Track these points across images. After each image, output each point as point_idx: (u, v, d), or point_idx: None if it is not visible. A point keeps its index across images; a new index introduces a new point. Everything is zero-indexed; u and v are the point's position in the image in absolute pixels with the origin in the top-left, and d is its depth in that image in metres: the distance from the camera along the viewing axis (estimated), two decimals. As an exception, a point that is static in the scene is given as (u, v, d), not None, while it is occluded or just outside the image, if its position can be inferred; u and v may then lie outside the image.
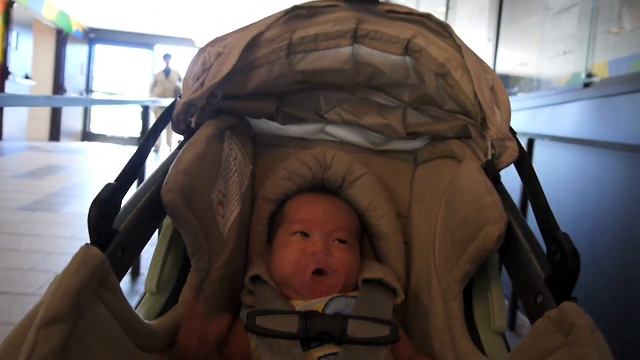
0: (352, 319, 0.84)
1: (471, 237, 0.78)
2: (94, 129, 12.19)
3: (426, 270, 0.93)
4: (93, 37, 12.16)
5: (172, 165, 0.81)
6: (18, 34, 8.50)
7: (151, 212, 0.78)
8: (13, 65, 8.31)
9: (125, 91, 12.04)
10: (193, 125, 0.96)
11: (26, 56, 8.83)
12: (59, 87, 10.74)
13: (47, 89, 10.49)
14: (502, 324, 0.79)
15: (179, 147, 0.94)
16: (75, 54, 11.36)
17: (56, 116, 10.80)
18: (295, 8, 0.98)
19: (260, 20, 0.98)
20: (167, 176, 0.78)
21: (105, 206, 0.66)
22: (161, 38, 12.06)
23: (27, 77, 8.73)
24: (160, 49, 11.80)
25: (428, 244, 0.95)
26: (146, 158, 0.83)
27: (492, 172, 0.90)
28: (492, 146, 0.91)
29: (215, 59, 0.95)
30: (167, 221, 0.87)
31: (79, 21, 11.42)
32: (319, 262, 0.90)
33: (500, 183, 0.92)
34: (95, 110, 12.21)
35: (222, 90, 0.99)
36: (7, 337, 0.50)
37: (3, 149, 7.61)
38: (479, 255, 0.77)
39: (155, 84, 9.91)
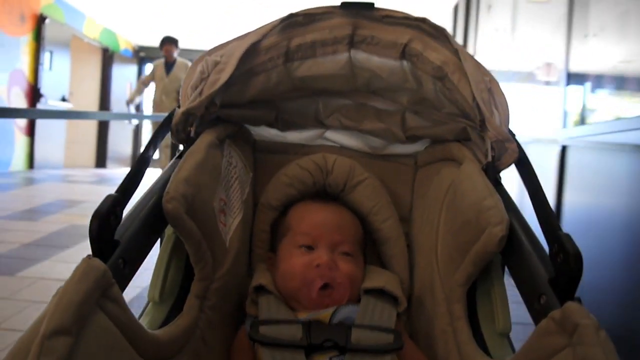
0: (355, 327, 0.84)
1: (473, 239, 0.78)
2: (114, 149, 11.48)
3: (429, 273, 0.93)
4: (143, 55, 11.41)
5: (172, 175, 0.81)
6: (52, 53, 7.86)
7: (152, 221, 0.78)
8: (45, 86, 7.61)
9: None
10: (192, 134, 0.96)
11: (62, 77, 8.19)
12: (105, 109, 10.07)
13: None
14: (506, 325, 0.79)
15: (179, 156, 0.94)
16: (123, 74, 10.60)
17: (102, 140, 10.06)
18: (291, 15, 0.98)
19: (257, 29, 0.99)
20: (167, 185, 0.78)
21: (106, 217, 0.66)
22: None
23: (63, 99, 8.12)
24: None
25: (430, 247, 0.95)
26: (146, 168, 0.83)
27: (492, 173, 0.90)
28: (492, 147, 0.91)
29: (213, 68, 0.96)
30: (168, 230, 0.87)
31: (127, 39, 10.81)
32: (324, 276, 0.90)
33: (501, 184, 0.92)
34: (147, 131, 11.19)
35: (221, 98, 0.99)
36: (10, 349, 0.50)
37: (33, 178, 6.70)
38: (482, 257, 0.77)
39: (144, 82, 7.21)
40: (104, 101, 10.03)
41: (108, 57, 10.05)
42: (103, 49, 9.92)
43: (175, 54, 6.74)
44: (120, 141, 10.57)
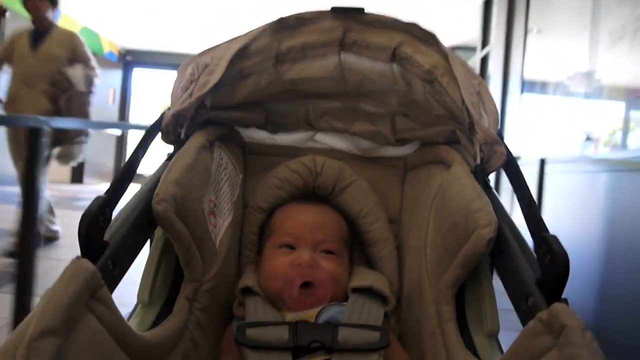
0: (342, 326, 0.84)
1: (461, 241, 0.79)
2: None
3: (418, 274, 0.94)
4: (130, 59, 10.51)
5: (162, 176, 0.81)
6: None
7: (142, 223, 0.78)
8: (2, 89, 6.44)
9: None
10: (182, 136, 0.96)
11: None
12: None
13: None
14: (495, 326, 0.80)
15: (169, 158, 0.94)
16: (106, 79, 9.32)
17: None
18: (282, 19, 0.98)
19: (247, 32, 0.99)
20: (157, 187, 0.78)
21: (95, 218, 0.66)
22: None
23: None
24: None
25: (419, 249, 0.95)
26: (136, 170, 0.83)
27: (481, 176, 0.91)
28: (480, 150, 0.91)
29: (203, 70, 0.96)
30: (158, 231, 0.87)
31: (112, 41, 9.79)
32: (305, 275, 0.90)
33: (490, 187, 0.92)
34: (132, 142, 9.74)
35: (211, 100, 0.99)
36: None
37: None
38: (470, 259, 0.78)
39: None
40: None
41: None
42: None
43: (52, 16, 3.65)
44: (101, 153, 9.58)
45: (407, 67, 0.99)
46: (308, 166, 1.07)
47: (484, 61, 6.17)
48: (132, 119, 10.64)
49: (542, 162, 3.05)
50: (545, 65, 4.32)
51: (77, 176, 9.06)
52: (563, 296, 0.63)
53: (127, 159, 0.84)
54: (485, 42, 6.16)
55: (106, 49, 9.75)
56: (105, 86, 9.33)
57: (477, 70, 6.04)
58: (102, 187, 8.39)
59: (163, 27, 8.55)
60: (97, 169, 9.47)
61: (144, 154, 0.89)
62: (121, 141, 10.24)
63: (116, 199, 0.74)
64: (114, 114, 10.17)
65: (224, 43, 0.99)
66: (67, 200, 6.85)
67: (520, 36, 4.75)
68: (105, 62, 9.61)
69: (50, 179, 8.00)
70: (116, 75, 10.25)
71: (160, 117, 0.97)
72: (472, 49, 7.61)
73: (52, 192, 7.16)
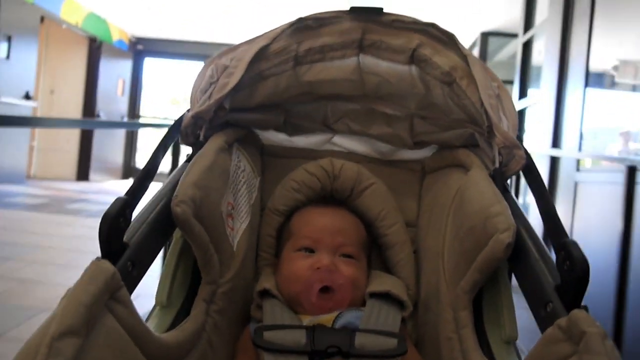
0: (359, 332, 0.84)
1: (480, 245, 0.78)
2: (141, 162, 9.07)
3: (435, 279, 0.93)
4: (141, 48, 9.69)
5: (181, 178, 0.82)
6: (10, 38, 6.19)
7: (161, 225, 0.78)
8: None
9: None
10: (201, 137, 0.96)
11: (25, 69, 6.58)
12: (90, 111, 8.32)
13: (72, 113, 8.13)
14: (513, 333, 0.79)
15: (188, 160, 0.95)
16: (115, 69, 8.97)
17: (84, 148, 8.38)
18: (301, 20, 0.99)
19: (266, 32, 0.99)
20: (176, 189, 0.79)
21: (115, 220, 0.67)
22: (219, 48, 8.70)
23: (27, 97, 6.58)
24: None
25: (437, 253, 0.95)
26: (156, 171, 0.84)
27: (499, 180, 0.90)
28: (499, 154, 0.91)
29: (222, 72, 0.96)
30: (176, 234, 0.88)
31: (122, 28, 8.98)
32: (324, 279, 0.90)
33: (508, 191, 0.91)
34: (144, 137, 9.60)
35: (230, 102, 1.00)
36: (19, 350, 0.50)
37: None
38: (488, 264, 0.77)
39: None
40: (89, 101, 8.40)
41: (95, 49, 8.36)
42: (89, 38, 8.26)
43: None
44: (110, 149, 9.04)
45: (426, 69, 0.99)
46: (326, 169, 1.07)
47: (527, 48, 5.41)
48: (143, 112, 9.87)
49: (632, 171, 2.49)
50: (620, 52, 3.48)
51: (82, 173, 8.47)
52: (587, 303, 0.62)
53: (148, 160, 0.85)
54: (528, 24, 5.33)
55: (115, 36, 8.96)
56: (113, 77, 8.89)
57: (518, 58, 5.51)
58: (108, 186, 8.12)
59: (177, 12, 7.70)
60: (105, 165, 8.93)
61: (163, 155, 0.90)
62: (131, 136, 9.54)
63: (136, 200, 0.75)
64: (122, 107, 9.38)
65: (243, 44, 1.00)
66: (60, 201, 6.17)
67: (584, 15, 3.72)
68: (114, 50, 8.92)
69: (54, 176, 7.86)
70: (126, 65, 9.46)
71: (179, 118, 0.98)
72: (509, 35, 6.84)
73: (48, 190, 6.71)
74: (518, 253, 0.76)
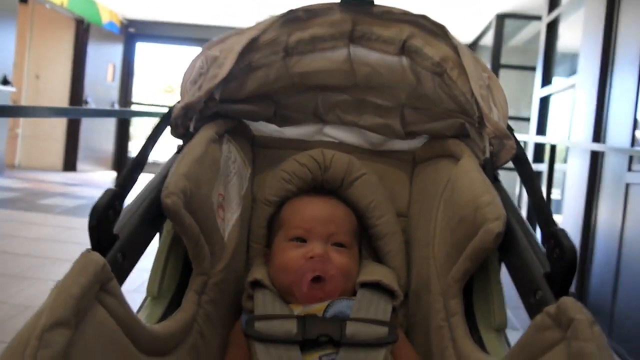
0: (350, 321, 0.85)
1: (470, 234, 0.78)
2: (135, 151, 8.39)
3: (426, 268, 0.94)
4: (133, 31, 8.95)
5: (171, 169, 0.81)
6: None
7: (151, 216, 0.78)
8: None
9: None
10: (191, 129, 0.96)
11: (4, 52, 6.08)
12: (77, 97, 7.80)
13: (59, 99, 7.64)
14: (502, 321, 0.80)
15: (178, 151, 0.94)
16: (104, 53, 8.36)
17: (71, 136, 7.90)
18: (291, 11, 0.98)
19: (256, 24, 0.98)
20: (166, 180, 0.79)
21: (105, 211, 0.67)
22: (218, 31, 7.14)
23: (5, 82, 6.01)
24: None
25: (427, 243, 0.95)
26: (146, 161, 0.83)
27: (490, 169, 0.90)
28: (490, 144, 0.91)
29: (212, 63, 0.96)
30: (167, 225, 0.88)
31: (112, 9, 8.32)
32: (316, 269, 0.91)
33: (499, 180, 0.92)
34: (137, 125, 8.97)
35: (220, 93, 0.99)
36: (9, 342, 0.50)
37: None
38: (478, 253, 0.78)
39: None
40: (77, 87, 7.89)
41: (83, 31, 7.80)
42: (76, 19, 7.70)
43: None
44: (99, 137, 8.46)
45: (417, 60, 0.99)
46: (317, 159, 1.07)
47: (551, 29, 4.97)
48: (136, 99, 9.13)
49: None
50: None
51: (69, 163, 7.94)
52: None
53: (138, 151, 0.84)
54: (554, 3, 4.93)
55: (105, 18, 8.33)
56: (102, 61, 8.29)
57: (542, 41, 5.09)
58: (97, 177, 7.61)
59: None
60: (94, 155, 8.37)
61: (153, 146, 0.89)
62: (124, 124, 8.31)
63: (126, 191, 0.74)
64: (113, 94, 8.75)
65: (233, 35, 0.99)
66: (34, 195, 5.65)
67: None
68: (104, 33, 8.30)
69: (40, 165, 7.40)
70: (116, 50, 8.82)
71: (169, 110, 0.97)
72: (528, 17, 6.36)
73: (26, 183, 6.00)
74: (508, 242, 0.76)
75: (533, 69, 5.43)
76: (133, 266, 0.72)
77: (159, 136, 0.92)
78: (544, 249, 0.70)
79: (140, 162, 0.82)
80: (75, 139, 7.99)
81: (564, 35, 5.05)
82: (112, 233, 0.68)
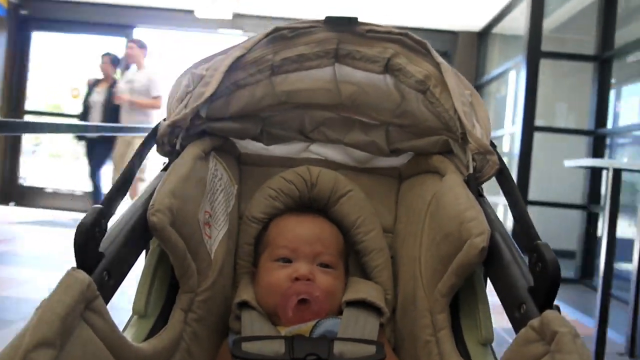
0: (337, 340, 0.85)
1: (455, 250, 0.79)
2: (27, 179, 6.45)
3: (412, 284, 0.94)
4: (26, 14, 6.45)
5: (157, 187, 0.81)
6: None
7: (137, 234, 0.78)
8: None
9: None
10: (178, 146, 0.96)
11: None
12: None
13: None
14: (489, 335, 0.80)
15: (164, 169, 0.94)
16: None
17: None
18: (277, 29, 0.99)
19: (242, 42, 1.00)
20: (152, 198, 0.79)
21: (90, 229, 0.66)
22: (144, 13, 6.43)
23: None
24: (143, 34, 6.31)
25: (413, 258, 0.96)
26: (132, 180, 0.83)
27: (474, 185, 0.91)
28: (473, 159, 0.92)
29: (198, 81, 0.96)
30: (153, 242, 0.88)
31: None
32: (301, 292, 0.91)
33: (483, 196, 0.93)
34: (32, 143, 6.70)
35: (206, 112, 1.00)
36: None
37: None
38: (464, 268, 0.78)
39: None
40: None
41: None
42: None
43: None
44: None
45: (401, 78, 1.00)
46: (303, 177, 1.08)
47: None
48: (28, 105, 6.63)
49: None
50: None
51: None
52: None
53: (123, 169, 0.84)
54: None
55: None
56: None
57: None
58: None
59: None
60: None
61: (140, 164, 0.89)
62: (11, 141, 6.40)
63: (112, 209, 0.74)
64: None
65: (219, 54, 1.00)
66: None
67: None
68: None
69: None
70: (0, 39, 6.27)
71: (155, 127, 0.97)
72: None
73: None
74: (492, 256, 0.77)
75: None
76: (119, 284, 0.71)
77: (146, 154, 0.93)
78: None
79: (127, 180, 0.82)
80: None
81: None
82: (98, 251, 0.68)
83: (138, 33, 6.46)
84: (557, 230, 4.71)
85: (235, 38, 6.30)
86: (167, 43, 6.71)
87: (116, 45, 6.23)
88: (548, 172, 4.99)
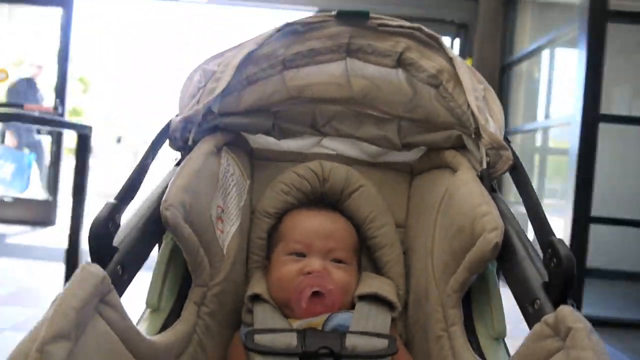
0: (349, 333, 0.85)
1: (468, 245, 0.79)
2: None
3: (424, 279, 0.94)
4: None
5: (170, 182, 0.82)
6: None
7: (150, 228, 0.79)
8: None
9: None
10: (190, 142, 0.97)
11: None
12: None
13: None
14: (502, 330, 0.80)
15: (177, 164, 0.95)
16: None
17: None
18: (288, 24, 0.99)
19: (254, 37, 1.00)
20: (165, 193, 0.79)
21: (104, 224, 0.67)
22: None
23: None
24: (85, 6, 5.14)
25: (426, 254, 0.96)
26: (145, 174, 0.84)
27: (487, 180, 0.91)
28: (487, 155, 0.92)
29: (210, 77, 0.97)
30: (166, 237, 0.88)
31: None
32: (314, 284, 0.91)
33: (496, 191, 0.92)
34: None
35: (218, 107, 1.00)
36: (9, 355, 0.50)
37: None
38: (477, 264, 0.78)
39: None
40: None
41: None
42: None
43: None
44: None
45: (413, 72, 1.00)
46: (315, 171, 1.08)
47: None
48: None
49: None
50: None
51: None
52: None
53: (137, 164, 0.85)
54: None
55: None
56: None
57: None
58: None
59: None
60: None
61: (153, 158, 0.90)
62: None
63: (125, 204, 0.75)
64: None
65: (231, 49, 1.00)
66: None
67: None
68: None
69: None
70: None
71: (167, 123, 0.98)
72: None
73: None
74: (506, 252, 0.76)
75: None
76: (133, 278, 0.72)
77: (159, 149, 0.93)
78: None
79: (140, 175, 0.82)
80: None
81: None
82: (112, 245, 0.69)
83: (80, 6, 5.06)
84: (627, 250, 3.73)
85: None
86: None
87: (50, 18, 4.99)
88: (610, 176, 3.94)
